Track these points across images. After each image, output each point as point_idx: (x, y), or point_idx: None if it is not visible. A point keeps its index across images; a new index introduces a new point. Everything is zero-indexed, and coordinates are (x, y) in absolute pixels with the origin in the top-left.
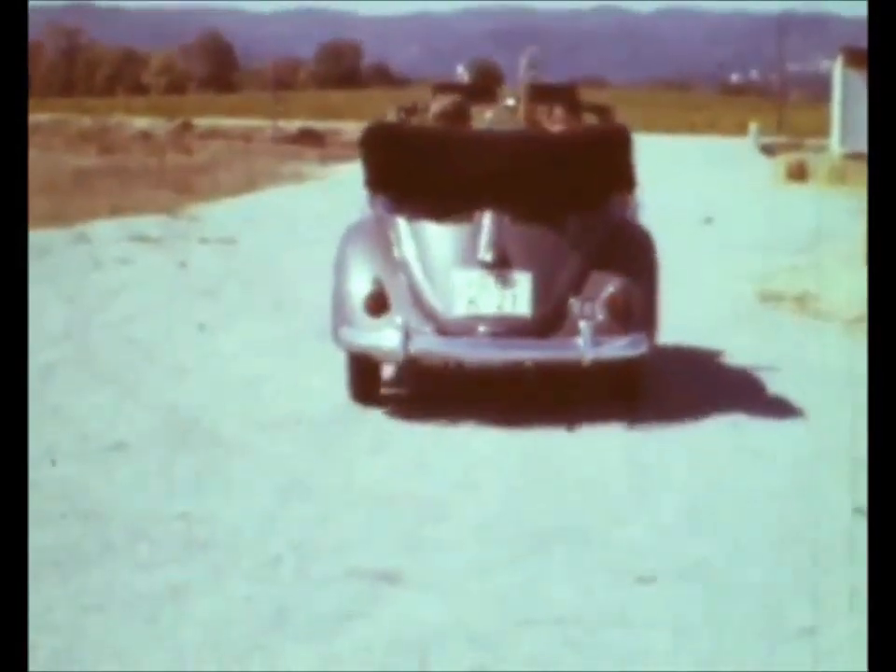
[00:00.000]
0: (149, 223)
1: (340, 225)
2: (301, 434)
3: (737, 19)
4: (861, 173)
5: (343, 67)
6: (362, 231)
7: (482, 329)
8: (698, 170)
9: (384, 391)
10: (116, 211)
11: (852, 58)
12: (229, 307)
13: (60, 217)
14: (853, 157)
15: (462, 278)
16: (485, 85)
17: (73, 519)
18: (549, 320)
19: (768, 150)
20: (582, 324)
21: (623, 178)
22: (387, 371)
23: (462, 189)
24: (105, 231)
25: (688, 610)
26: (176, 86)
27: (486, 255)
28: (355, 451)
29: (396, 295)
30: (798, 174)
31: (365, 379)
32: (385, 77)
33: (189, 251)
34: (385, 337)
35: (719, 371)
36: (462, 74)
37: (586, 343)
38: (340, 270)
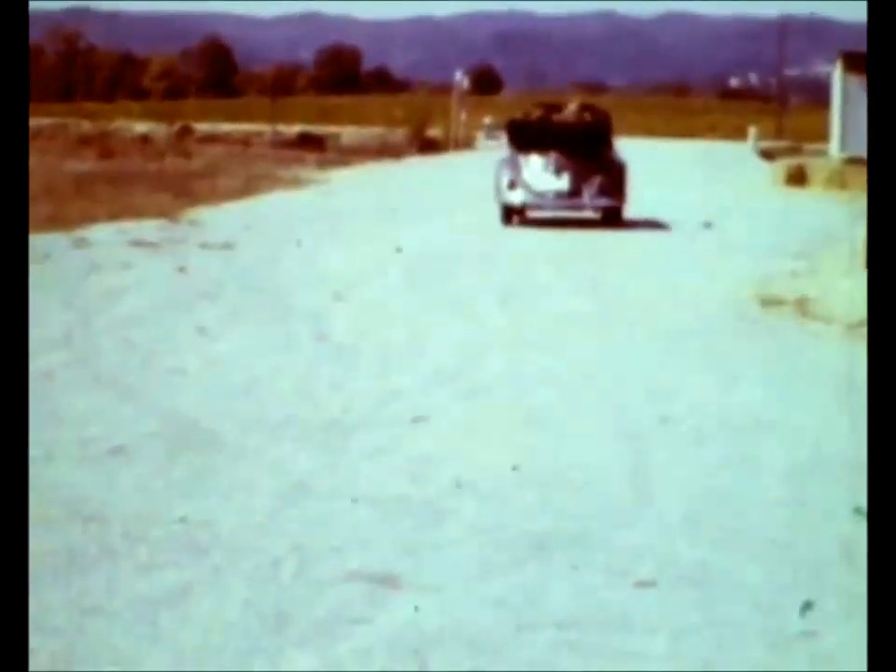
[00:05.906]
0: (149, 228)
1: (340, 230)
2: (301, 436)
3: (737, 23)
4: (860, 177)
5: (343, 71)
6: (507, 161)
7: (550, 195)
8: (697, 174)
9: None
10: (115, 215)
11: (851, 62)
12: (228, 311)
13: (59, 222)
14: (852, 161)
15: (543, 177)
16: (558, 102)
17: (73, 522)
18: (575, 192)
19: (767, 155)
20: (587, 193)
21: (608, 139)
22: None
23: (545, 144)
24: (104, 235)
25: (686, 614)
26: (176, 90)
27: (552, 168)
28: (354, 453)
29: (520, 183)
30: (797, 178)
31: (508, 215)
32: (385, 82)
33: (189, 256)
34: (516, 197)
35: None
36: (462, 80)
37: (589, 200)
38: (499, 175)
